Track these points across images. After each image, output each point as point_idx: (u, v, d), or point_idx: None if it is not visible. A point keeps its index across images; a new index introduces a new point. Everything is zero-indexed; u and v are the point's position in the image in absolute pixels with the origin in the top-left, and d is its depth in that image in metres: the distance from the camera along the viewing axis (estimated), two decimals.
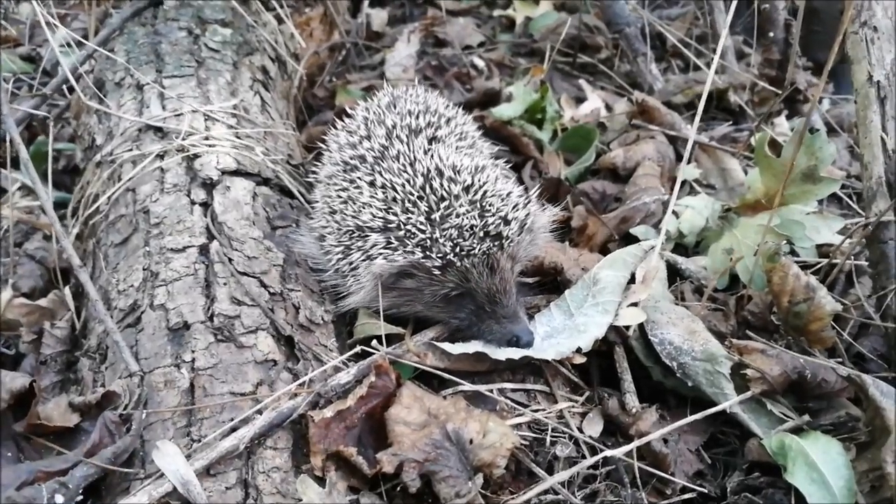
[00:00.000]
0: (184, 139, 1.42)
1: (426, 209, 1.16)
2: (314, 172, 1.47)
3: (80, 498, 0.95)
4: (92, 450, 1.00)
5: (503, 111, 2.00)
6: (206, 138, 1.43)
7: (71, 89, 1.87)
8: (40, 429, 1.05)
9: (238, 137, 1.47)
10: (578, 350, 1.17)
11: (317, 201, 1.39)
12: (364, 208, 1.20)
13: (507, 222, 1.19)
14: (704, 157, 1.99)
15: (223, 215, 1.31)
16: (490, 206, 1.18)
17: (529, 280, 1.48)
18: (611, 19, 2.48)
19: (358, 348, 1.15)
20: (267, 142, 1.56)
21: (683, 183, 1.89)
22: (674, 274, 1.55)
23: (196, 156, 1.40)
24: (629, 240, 1.64)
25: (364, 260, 1.18)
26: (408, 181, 1.20)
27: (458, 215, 1.16)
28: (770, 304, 1.33)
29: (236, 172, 1.41)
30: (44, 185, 1.30)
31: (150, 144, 1.44)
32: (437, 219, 1.15)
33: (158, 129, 1.46)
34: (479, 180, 1.21)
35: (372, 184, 1.23)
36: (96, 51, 1.57)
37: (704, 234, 1.69)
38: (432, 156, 1.24)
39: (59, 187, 1.86)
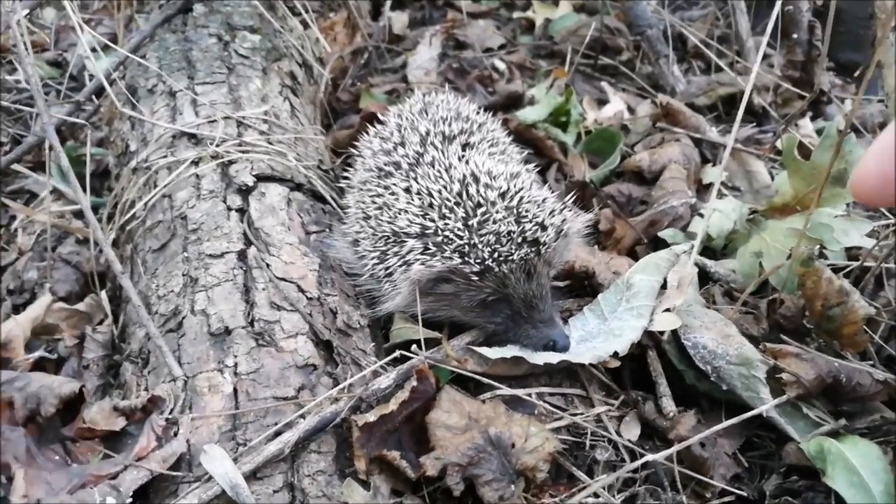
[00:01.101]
0: (218, 145, 1.44)
1: (463, 215, 1.17)
2: (346, 178, 1.48)
3: (129, 501, 0.97)
4: (140, 453, 1.02)
5: (528, 115, 2.01)
6: (240, 144, 1.45)
7: (99, 94, 1.90)
8: (87, 433, 1.07)
9: (270, 143, 1.49)
10: (615, 354, 1.18)
11: (349, 206, 1.41)
12: (400, 214, 1.21)
13: (543, 228, 1.20)
14: (729, 159, 1.98)
15: (259, 221, 1.33)
16: (526, 212, 1.19)
17: (560, 284, 1.49)
18: (632, 21, 2.48)
19: (397, 353, 1.17)
20: (298, 147, 1.57)
21: (709, 185, 1.90)
22: (703, 277, 1.56)
23: (231, 162, 1.42)
24: (657, 243, 1.65)
25: (401, 265, 1.19)
26: (444, 187, 1.21)
27: (495, 221, 1.16)
28: (802, 307, 1.34)
29: (270, 178, 1.42)
30: (82, 195, 1.32)
31: (185, 151, 1.45)
32: (475, 225, 1.16)
33: (192, 136, 1.48)
34: (514, 186, 1.22)
35: (408, 190, 1.24)
36: (128, 57, 1.59)
37: (732, 236, 1.69)
38: (467, 162, 1.25)
39: (91, 192, 1.88)
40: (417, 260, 1.18)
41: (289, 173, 1.46)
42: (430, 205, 1.20)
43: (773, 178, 1.92)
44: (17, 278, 1.62)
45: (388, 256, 1.22)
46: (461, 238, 1.16)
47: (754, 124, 2.21)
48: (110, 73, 1.60)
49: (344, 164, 1.68)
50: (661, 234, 1.64)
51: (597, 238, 1.68)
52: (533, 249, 1.19)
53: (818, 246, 1.37)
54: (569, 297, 1.46)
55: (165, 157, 1.46)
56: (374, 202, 1.29)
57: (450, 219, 1.18)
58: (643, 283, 1.29)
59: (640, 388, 1.28)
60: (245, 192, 1.37)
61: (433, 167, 1.26)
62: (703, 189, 1.90)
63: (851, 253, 1.60)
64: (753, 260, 1.52)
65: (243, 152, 1.43)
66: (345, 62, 2.32)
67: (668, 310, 1.28)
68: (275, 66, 1.74)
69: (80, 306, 1.44)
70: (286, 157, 1.48)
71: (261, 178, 1.41)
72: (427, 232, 1.18)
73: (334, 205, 1.51)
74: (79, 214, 1.83)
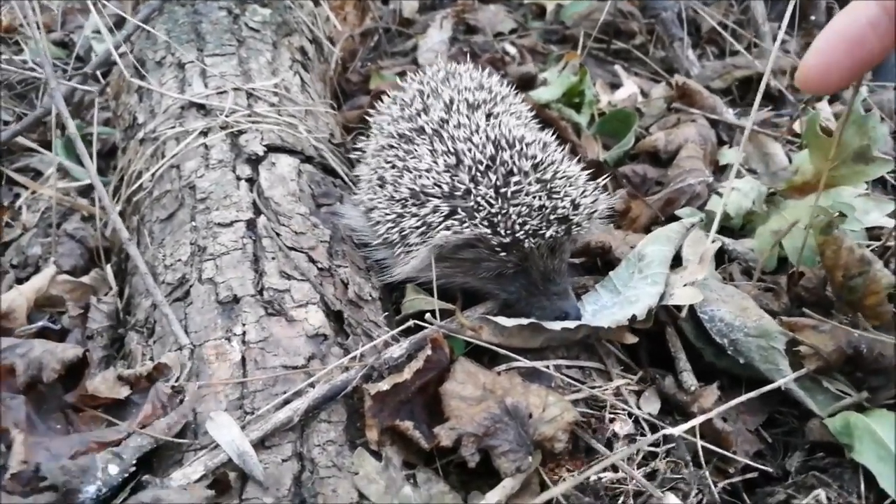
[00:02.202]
0: (227, 116, 1.40)
1: (496, 181, 1.13)
2: (358, 149, 1.45)
3: (133, 469, 0.94)
4: (144, 421, 0.98)
5: (541, 94, 1.98)
6: (250, 115, 1.42)
7: (106, 74, 1.88)
8: (90, 401, 1.03)
9: (280, 115, 1.46)
10: (633, 319, 1.14)
11: (362, 178, 1.37)
12: (424, 174, 1.17)
13: (576, 207, 1.16)
14: (746, 141, 1.95)
15: (269, 191, 1.29)
16: (560, 187, 1.15)
17: (576, 261, 1.45)
18: (646, 4, 2.45)
19: (410, 322, 1.13)
20: (308, 121, 1.54)
21: (726, 166, 1.86)
22: (720, 255, 1.52)
23: (240, 132, 1.39)
24: (674, 222, 1.61)
25: (419, 227, 1.15)
26: (476, 146, 1.16)
27: (527, 193, 1.12)
28: (824, 279, 1.30)
29: (281, 149, 1.39)
30: (90, 164, 1.29)
31: (194, 121, 1.42)
32: (508, 194, 1.12)
33: (201, 107, 1.45)
34: (547, 157, 1.18)
35: (433, 151, 1.20)
36: (138, 27, 1.56)
37: (750, 217, 1.65)
38: (498, 126, 1.21)
39: (98, 171, 1.85)
40: (441, 223, 1.13)
41: (299, 145, 1.43)
42: (459, 164, 1.16)
43: (790, 160, 1.88)
44: (21, 253, 1.60)
45: (404, 219, 1.18)
46: (492, 206, 1.12)
47: (770, 108, 2.17)
48: (119, 45, 1.57)
49: (354, 140, 1.65)
50: (678, 212, 1.61)
51: (612, 218, 1.65)
52: (563, 227, 1.16)
53: (838, 214, 1.33)
54: (584, 274, 1.42)
55: (174, 127, 1.43)
56: (393, 166, 1.25)
57: (481, 183, 1.13)
58: (655, 253, 1.25)
59: (658, 366, 1.25)
60: (255, 161, 1.34)
61: (460, 129, 1.21)
62: (719, 171, 1.86)
63: (874, 233, 1.57)
64: (773, 238, 1.49)
65: (253, 123, 1.40)
66: (355, 44, 2.29)
67: (687, 284, 1.25)
68: (285, 40, 1.71)
69: (85, 279, 1.41)
70: (297, 129, 1.45)
71: (271, 149, 1.38)
72: (456, 193, 1.14)
73: (345, 178, 1.48)
74: (84, 193, 1.81)
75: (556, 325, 1.13)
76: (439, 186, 1.15)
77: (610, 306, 1.22)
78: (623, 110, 1.99)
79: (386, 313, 1.23)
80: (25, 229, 1.69)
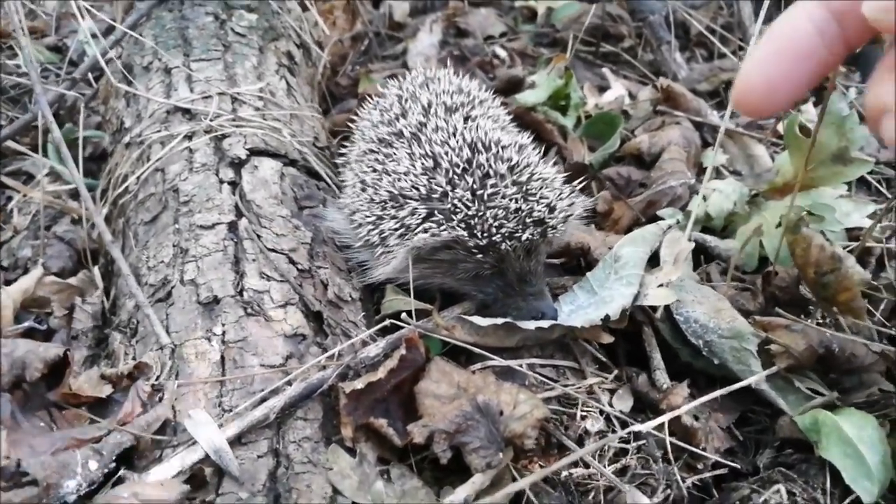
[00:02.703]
0: (212, 120, 1.43)
1: (472, 184, 1.15)
2: (343, 155, 1.47)
3: (112, 465, 0.96)
4: (124, 419, 1.00)
5: (527, 97, 2.00)
6: (234, 119, 1.44)
7: (98, 78, 1.90)
8: (72, 399, 1.06)
9: (265, 119, 1.48)
10: (606, 318, 1.16)
11: (346, 182, 1.39)
12: (402, 177, 1.19)
13: (552, 210, 1.18)
14: (731, 143, 1.97)
15: (251, 194, 1.32)
16: (536, 189, 1.17)
17: (556, 261, 1.47)
18: (635, 8, 2.47)
19: (387, 322, 1.15)
20: (293, 125, 1.56)
21: (705, 170, 1.88)
22: (700, 255, 1.54)
23: (224, 136, 1.41)
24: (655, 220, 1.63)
25: (398, 229, 1.17)
26: (453, 150, 1.18)
27: (504, 196, 1.14)
28: (797, 277, 1.31)
29: (264, 153, 1.41)
30: (74, 168, 1.31)
31: (179, 125, 1.45)
32: (485, 197, 1.14)
33: (186, 111, 1.48)
34: (523, 160, 1.20)
35: (411, 155, 1.22)
36: (126, 34, 1.58)
37: (732, 218, 1.67)
38: (475, 129, 1.23)
39: (87, 174, 1.88)
40: (419, 225, 1.15)
41: (283, 149, 1.45)
42: (436, 167, 1.18)
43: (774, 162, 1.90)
44: (12, 255, 1.62)
45: (384, 220, 1.20)
46: (468, 208, 1.14)
47: None
48: (107, 51, 1.60)
49: (340, 143, 1.67)
50: (659, 213, 1.62)
51: (594, 220, 1.67)
52: (539, 230, 1.17)
53: (805, 212, 1.35)
54: (564, 274, 1.44)
55: (159, 131, 1.45)
56: (373, 170, 1.27)
57: (458, 185, 1.15)
58: (631, 255, 1.27)
59: (635, 365, 1.27)
60: (238, 165, 1.37)
61: (438, 133, 1.24)
62: (703, 173, 1.88)
63: (854, 234, 1.58)
64: (754, 238, 1.50)
65: (237, 127, 1.42)
66: (344, 48, 2.31)
67: (662, 285, 1.27)
68: (272, 45, 1.74)
69: (72, 281, 1.43)
70: (280, 132, 1.47)
71: (254, 152, 1.40)
72: (433, 196, 1.16)
73: (329, 181, 1.50)
74: (75, 196, 1.83)
75: (531, 325, 1.15)
76: (417, 189, 1.17)
77: (586, 306, 1.24)
78: (609, 113, 2.01)
79: (364, 313, 1.25)
80: (16, 232, 1.71)
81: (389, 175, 1.22)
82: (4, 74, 2.23)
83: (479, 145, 1.19)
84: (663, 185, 1.68)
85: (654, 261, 1.36)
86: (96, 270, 1.45)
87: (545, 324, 1.15)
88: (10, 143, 1.71)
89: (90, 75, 1.99)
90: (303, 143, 1.50)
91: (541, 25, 2.71)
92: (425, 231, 1.15)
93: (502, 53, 2.50)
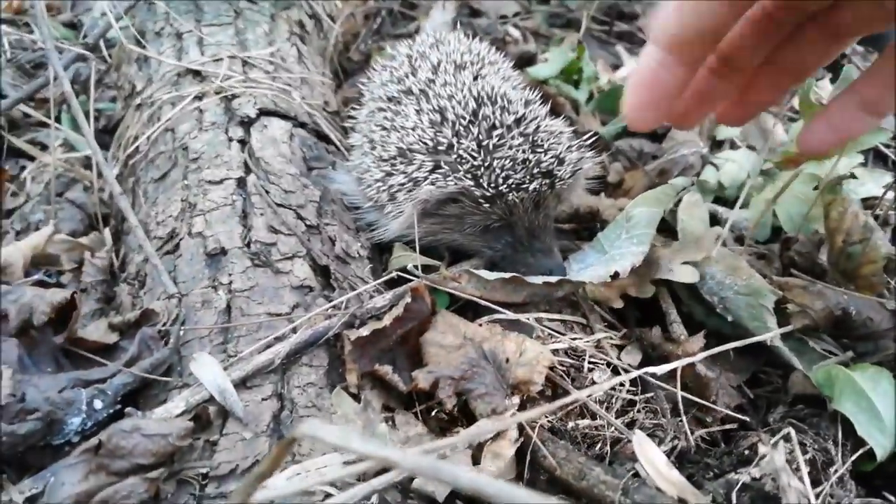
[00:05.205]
0: (222, 82, 1.43)
1: (478, 135, 1.14)
2: (352, 117, 1.47)
3: (118, 407, 0.96)
4: (130, 362, 1.01)
5: (539, 71, 1.99)
6: (244, 81, 1.44)
7: (111, 52, 1.91)
8: (80, 344, 1.06)
9: (274, 80, 1.48)
10: (615, 276, 1.15)
11: (354, 144, 1.39)
12: (410, 132, 1.18)
13: (560, 162, 1.17)
14: None
15: (260, 151, 1.31)
16: (543, 141, 1.16)
17: (565, 226, 1.46)
18: None
19: (394, 274, 1.15)
20: (303, 89, 1.56)
21: (723, 142, 1.86)
22: (713, 225, 1.52)
23: (234, 96, 1.41)
24: None
25: (407, 183, 1.16)
26: (459, 104, 1.18)
27: (510, 147, 1.14)
28: (818, 243, 1.29)
29: (274, 113, 1.41)
30: (84, 122, 1.31)
31: (189, 87, 1.45)
32: (490, 147, 1.13)
33: (197, 73, 1.48)
34: (530, 113, 1.19)
35: (419, 111, 1.22)
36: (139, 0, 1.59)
37: (745, 188, 1.65)
38: (483, 86, 1.22)
39: (100, 147, 1.88)
40: (426, 178, 1.15)
41: (292, 111, 1.45)
42: (443, 121, 1.17)
43: None
44: (24, 220, 1.62)
45: (393, 176, 1.19)
46: (475, 159, 1.13)
47: None
48: (121, 16, 1.60)
49: (352, 107, 1.67)
50: (671, 181, 1.61)
51: (605, 190, 1.65)
52: (547, 182, 1.16)
53: (850, 174, 1.32)
54: (573, 239, 1.43)
55: (170, 93, 1.45)
56: (382, 128, 1.26)
57: (464, 137, 1.14)
58: (643, 214, 1.26)
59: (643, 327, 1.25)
60: (247, 124, 1.36)
61: (445, 87, 1.23)
62: (716, 147, 1.86)
63: (868, 203, 1.56)
64: (768, 207, 1.48)
65: (247, 88, 1.42)
66: (357, 25, 2.31)
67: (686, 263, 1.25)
68: (283, 13, 1.74)
69: (83, 240, 1.43)
70: (290, 95, 1.47)
71: (263, 112, 1.40)
72: (439, 149, 1.15)
73: (339, 145, 1.49)
74: (88, 166, 1.84)
75: (539, 280, 1.14)
76: (424, 143, 1.17)
77: (595, 264, 1.23)
78: (621, 87, 1.99)
79: (372, 265, 1.24)
80: (29, 198, 1.72)
81: (398, 131, 1.22)
82: (20, 50, 2.26)
83: (486, 98, 1.18)
84: (675, 153, 1.67)
85: (664, 223, 1.35)
86: (107, 231, 1.45)
87: (553, 279, 1.14)
88: (27, 110, 1.72)
89: (104, 50, 2.01)
90: (313, 107, 1.50)
91: (555, 5, 2.70)
92: (432, 183, 1.14)
93: (515, 33, 2.48)
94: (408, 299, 1.05)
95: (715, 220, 1.54)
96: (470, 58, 1.35)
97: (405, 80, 1.31)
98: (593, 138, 1.72)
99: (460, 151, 1.13)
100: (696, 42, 0.74)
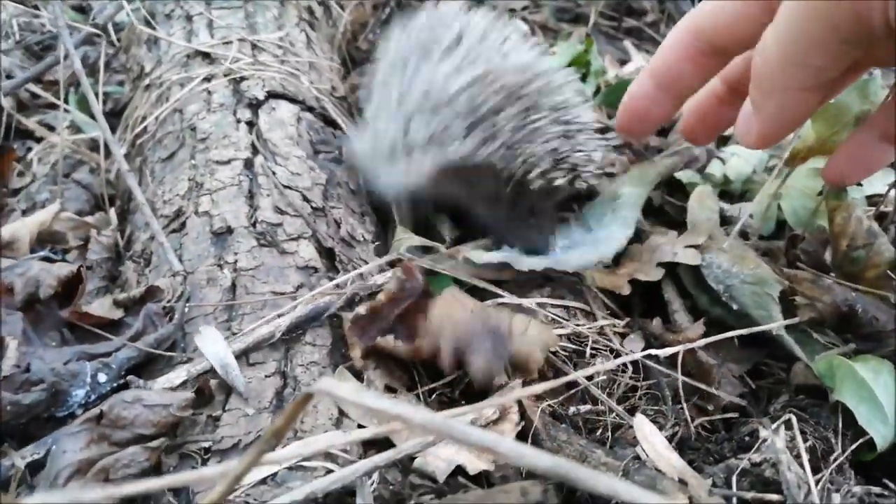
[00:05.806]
0: (231, 64, 1.43)
1: (515, 111, 1.09)
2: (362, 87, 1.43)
3: (122, 381, 0.96)
4: (135, 337, 1.01)
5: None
6: (253, 63, 1.44)
7: (119, 31, 1.92)
8: (85, 319, 1.06)
9: (283, 64, 1.48)
10: (609, 265, 1.15)
11: (369, 107, 1.31)
12: (442, 85, 1.11)
13: (589, 161, 1.17)
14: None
15: (268, 133, 1.32)
16: (576, 132, 1.15)
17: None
18: None
19: (396, 255, 1.15)
20: (311, 74, 1.56)
21: (728, 139, 1.86)
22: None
23: (243, 79, 1.42)
24: (672, 184, 1.62)
25: (428, 140, 1.12)
26: (497, 69, 1.11)
27: (544, 132, 1.11)
28: (825, 241, 1.29)
29: (282, 96, 1.42)
30: (93, 98, 1.32)
31: (198, 69, 1.45)
32: (526, 128, 1.10)
33: (206, 55, 1.48)
34: (566, 100, 1.16)
35: (458, 69, 1.12)
36: None
37: (750, 185, 1.65)
38: (523, 59, 1.17)
39: (111, 128, 1.89)
40: (455, 139, 1.10)
41: (300, 95, 1.46)
42: (477, 82, 1.09)
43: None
44: (30, 199, 1.63)
45: (412, 129, 1.14)
46: (509, 136, 1.10)
47: None
48: None
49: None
50: (677, 174, 1.61)
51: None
52: (570, 176, 1.16)
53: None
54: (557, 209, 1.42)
55: (179, 74, 1.46)
56: (408, 84, 1.16)
57: (502, 110, 1.09)
58: (630, 195, 1.26)
59: (649, 317, 1.26)
60: (255, 106, 1.37)
61: (484, 42, 1.15)
62: (723, 142, 1.86)
63: (873, 201, 1.56)
64: (773, 202, 1.48)
65: (256, 70, 1.43)
66: (366, 14, 2.31)
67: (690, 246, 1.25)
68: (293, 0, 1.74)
69: (89, 219, 1.44)
70: (299, 79, 1.47)
71: (272, 95, 1.40)
72: (478, 114, 1.09)
73: (346, 130, 1.50)
74: (95, 148, 1.84)
75: (524, 266, 1.14)
76: (457, 103, 1.10)
77: (580, 244, 1.23)
78: (629, 81, 1.98)
79: (378, 243, 1.25)
80: (36, 178, 1.73)
81: (427, 83, 1.13)
82: (29, 32, 2.26)
83: (529, 72, 1.12)
84: (680, 147, 1.66)
85: (649, 204, 1.37)
86: (112, 212, 1.45)
87: (539, 266, 1.14)
88: (33, 89, 1.73)
89: (113, 34, 2.01)
90: (321, 91, 1.50)
91: (563, 0, 2.70)
92: (462, 145, 1.10)
93: (523, 27, 2.48)
94: (399, 274, 1.05)
95: (720, 215, 1.54)
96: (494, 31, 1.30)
97: (433, 30, 1.21)
98: (602, 132, 1.74)
99: (498, 125, 1.09)
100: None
